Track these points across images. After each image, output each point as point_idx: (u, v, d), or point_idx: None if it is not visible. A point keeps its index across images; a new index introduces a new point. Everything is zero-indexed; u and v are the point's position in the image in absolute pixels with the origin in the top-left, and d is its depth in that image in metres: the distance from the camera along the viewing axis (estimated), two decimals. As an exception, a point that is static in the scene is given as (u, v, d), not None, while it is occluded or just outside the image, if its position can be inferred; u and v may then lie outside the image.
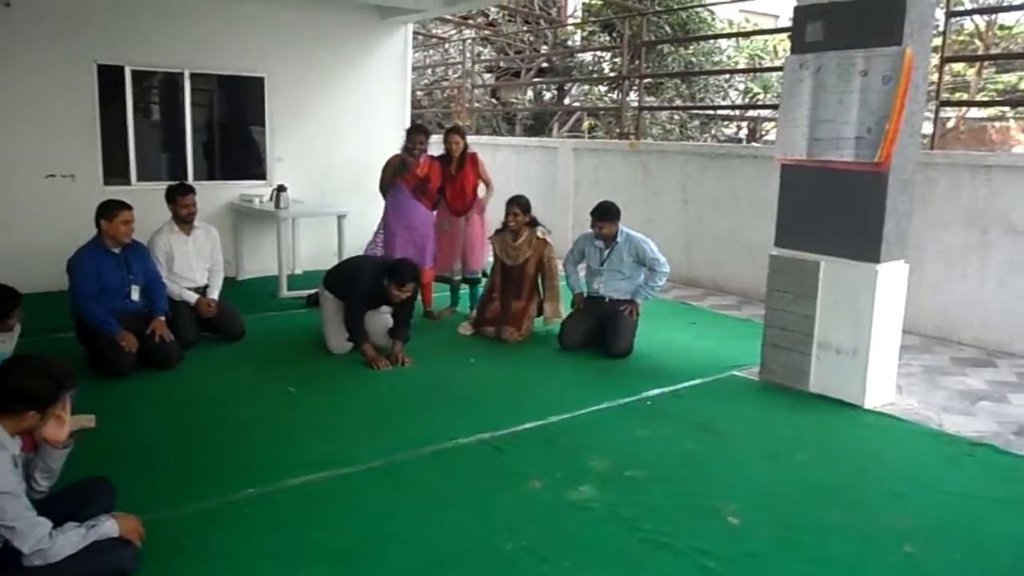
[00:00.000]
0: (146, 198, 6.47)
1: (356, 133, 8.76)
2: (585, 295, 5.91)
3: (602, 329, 5.68)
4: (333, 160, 8.61)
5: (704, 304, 7.49)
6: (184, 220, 5.73)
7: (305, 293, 7.06)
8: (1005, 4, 17.02)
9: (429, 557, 2.99)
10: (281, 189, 7.36)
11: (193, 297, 5.69)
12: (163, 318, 5.23)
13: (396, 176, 6.37)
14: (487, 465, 3.81)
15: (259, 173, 8.31)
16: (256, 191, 7.94)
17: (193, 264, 5.79)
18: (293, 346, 5.74)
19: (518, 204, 5.97)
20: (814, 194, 4.82)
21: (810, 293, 4.83)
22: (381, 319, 5.58)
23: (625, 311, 5.67)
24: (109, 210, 5.01)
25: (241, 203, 7.95)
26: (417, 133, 6.41)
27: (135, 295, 5.22)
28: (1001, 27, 19.53)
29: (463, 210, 6.55)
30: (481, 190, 6.71)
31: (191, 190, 5.79)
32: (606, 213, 5.66)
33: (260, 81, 8.17)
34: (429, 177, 6.39)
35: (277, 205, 7.31)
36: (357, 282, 5.39)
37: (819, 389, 4.85)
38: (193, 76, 7.80)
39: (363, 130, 8.78)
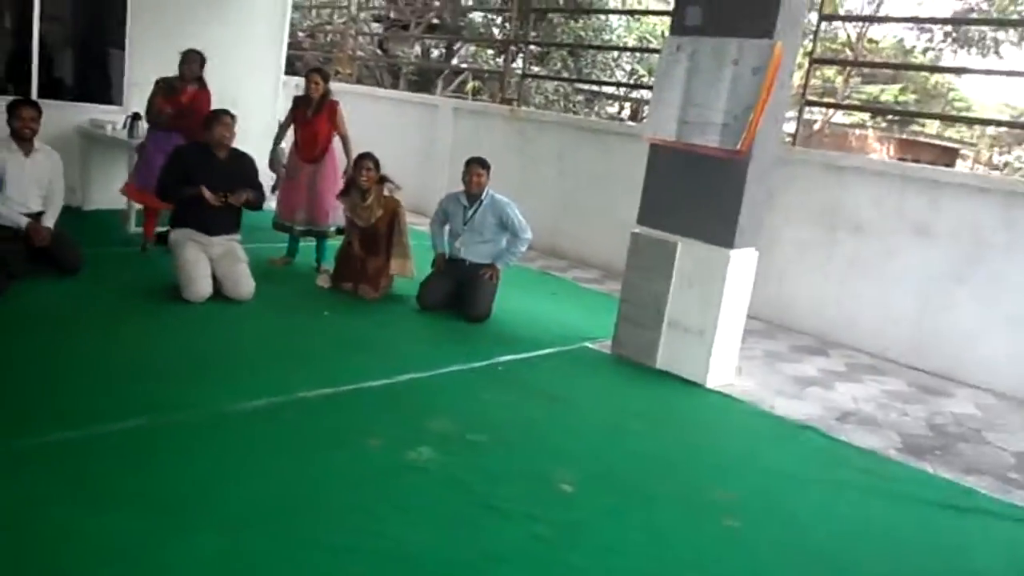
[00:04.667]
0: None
1: (226, 67, 8.20)
2: (447, 256, 5.83)
3: (461, 292, 5.63)
4: (198, 92, 8.10)
5: (568, 275, 7.58)
6: (22, 137, 5.25)
7: (157, 230, 6.66)
8: (878, 15, 18.06)
9: (254, 509, 2.86)
10: (136, 117, 6.85)
11: (24, 221, 5.24)
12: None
13: (164, 99, 6.10)
14: (326, 421, 3.70)
15: (114, 98, 7.73)
16: (109, 117, 7.37)
17: (27, 189, 5.32)
18: (135, 284, 5.38)
19: (372, 159, 5.72)
20: (678, 176, 4.92)
21: (665, 272, 4.95)
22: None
23: (485, 275, 5.64)
24: None
25: (92, 128, 7.36)
26: (189, 54, 6.17)
27: None
28: (871, 40, 20.70)
29: (311, 158, 6.31)
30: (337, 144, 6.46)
31: (34, 105, 5.32)
32: (483, 162, 5.67)
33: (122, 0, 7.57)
34: (192, 106, 6.10)
35: (131, 134, 6.82)
36: (170, 158, 5.37)
37: (665, 366, 5.00)
38: (46, -15, 7.14)
39: (234, 64, 8.26)
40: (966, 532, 3.49)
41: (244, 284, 5.27)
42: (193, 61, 6.18)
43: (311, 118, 6.27)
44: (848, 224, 6.26)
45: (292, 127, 6.48)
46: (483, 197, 5.67)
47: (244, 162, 5.49)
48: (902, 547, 3.28)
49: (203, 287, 5.12)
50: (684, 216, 4.88)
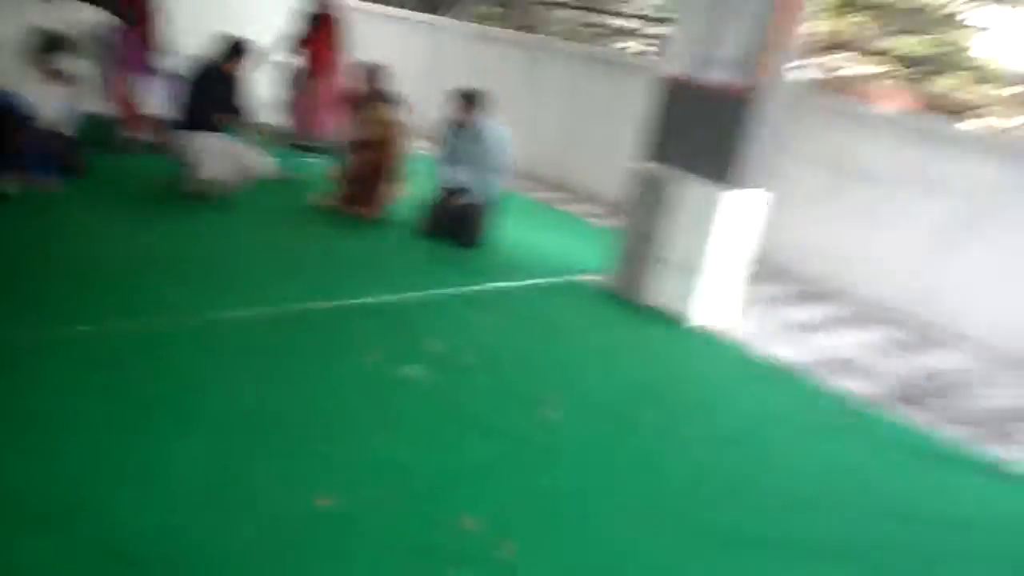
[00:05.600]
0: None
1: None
2: (443, 184, 5.70)
3: (458, 219, 5.58)
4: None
5: (570, 208, 7.52)
6: None
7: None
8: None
9: (246, 411, 2.92)
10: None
11: None
12: None
13: None
14: (321, 333, 3.73)
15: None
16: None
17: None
18: (137, 189, 5.35)
19: (379, 70, 5.78)
20: (685, 113, 4.83)
21: (663, 208, 4.90)
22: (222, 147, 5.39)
23: (467, 203, 5.57)
24: None
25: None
26: None
27: None
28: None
29: (316, 72, 6.47)
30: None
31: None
32: (469, 95, 5.54)
33: None
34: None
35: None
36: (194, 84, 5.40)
37: (656, 302, 4.98)
38: None
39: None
40: (939, 481, 3.52)
41: (268, 160, 5.54)
42: None
43: (317, 35, 6.38)
44: (857, 172, 6.18)
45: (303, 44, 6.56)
46: (475, 125, 5.57)
47: (240, 80, 5.61)
48: (869, 490, 3.31)
49: (217, 167, 5.24)
50: (686, 153, 4.80)
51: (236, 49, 5.51)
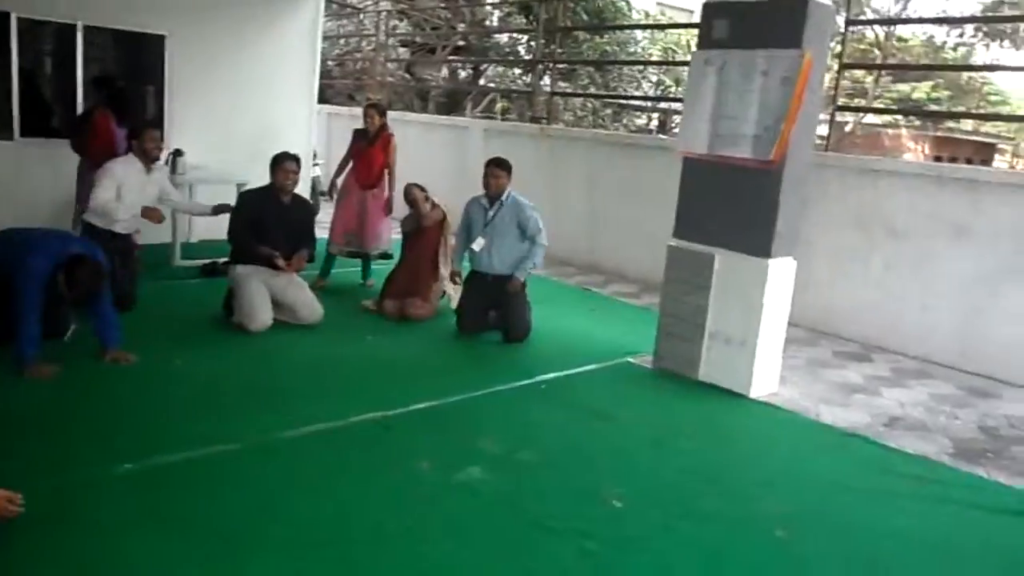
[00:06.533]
0: (30, 154, 6.16)
1: (261, 100, 8.47)
2: (469, 269, 5.79)
3: (498, 311, 5.65)
4: (235, 127, 8.27)
5: (605, 291, 7.60)
6: (149, 156, 5.51)
7: (200, 262, 6.84)
8: (902, 16, 17.90)
9: (310, 535, 2.94)
10: (178, 153, 7.07)
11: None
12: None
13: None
14: (376, 444, 3.78)
15: (155, 135, 7.94)
16: (151, 154, 7.57)
17: (140, 201, 5.49)
18: (184, 317, 5.52)
19: (418, 187, 6.15)
20: (712, 188, 4.94)
21: (704, 284, 4.96)
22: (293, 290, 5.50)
23: (510, 290, 5.55)
24: None
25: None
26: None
27: None
28: (899, 39, 20.48)
29: (367, 184, 6.67)
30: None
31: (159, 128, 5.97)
32: (502, 162, 5.63)
33: (160, 39, 7.80)
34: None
35: (173, 170, 7.01)
36: (237, 204, 5.52)
37: (708, 378, 5.00)
38: (87, 29, 7.38)
39: (268, 97, 8.51)
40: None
41: (318, 308, 5.55)
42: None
43: (368, 148, 6.65)
44: (885, 228, 6.22)
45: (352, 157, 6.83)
46: (503, 198, 5.63)
47: (306, 210, 5.72)
48: (956, 554, 3.25)
49: (267, 318, 5.31)
50: (720, 228, 4.89)
51: (280, 157, 5.40)
